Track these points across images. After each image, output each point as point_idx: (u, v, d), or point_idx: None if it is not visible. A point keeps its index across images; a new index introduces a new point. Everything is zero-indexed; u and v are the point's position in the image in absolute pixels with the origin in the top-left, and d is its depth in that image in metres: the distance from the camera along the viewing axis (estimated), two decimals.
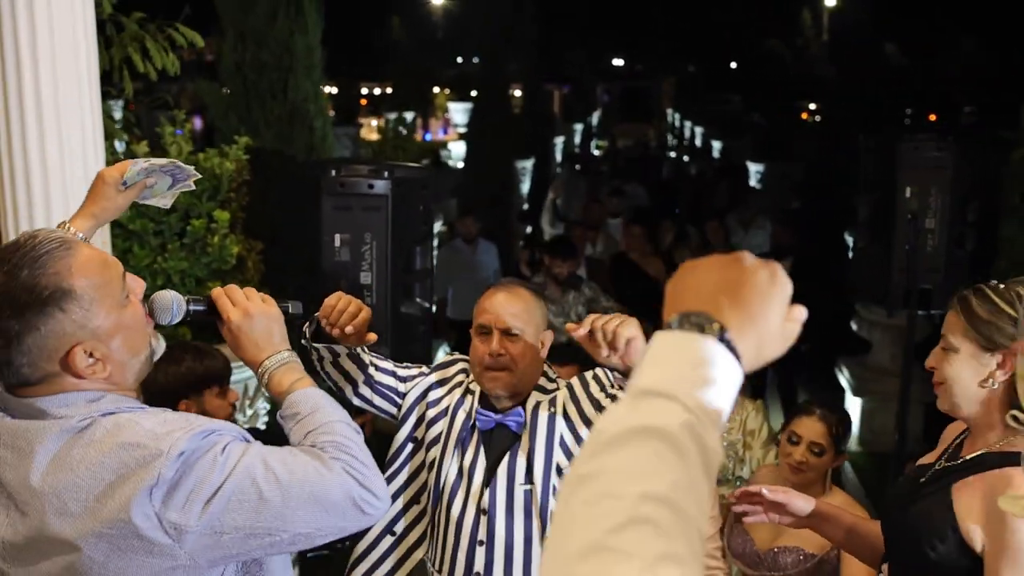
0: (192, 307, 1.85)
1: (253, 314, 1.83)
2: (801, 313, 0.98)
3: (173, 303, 1.81)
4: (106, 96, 4.13)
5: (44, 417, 1.58)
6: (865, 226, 4.58)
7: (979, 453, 1.98)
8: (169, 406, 1.91)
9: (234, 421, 2.31)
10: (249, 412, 4.33)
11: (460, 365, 2.71)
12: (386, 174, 3.54)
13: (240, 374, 4.17)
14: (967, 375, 1.97)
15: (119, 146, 4.35)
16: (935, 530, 1.94)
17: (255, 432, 3.69)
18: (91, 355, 1.59)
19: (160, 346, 1.80)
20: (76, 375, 1.59)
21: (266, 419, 4.61)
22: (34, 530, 1.55)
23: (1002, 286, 1.97)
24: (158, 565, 1.54)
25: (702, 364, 0.87)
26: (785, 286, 0.96)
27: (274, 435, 3.50)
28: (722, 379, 0.88)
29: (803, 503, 2.23)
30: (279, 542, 1.59)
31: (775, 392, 7.48)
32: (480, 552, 2.50)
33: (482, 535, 2.49)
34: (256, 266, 4.41)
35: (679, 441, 0.80)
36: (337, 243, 3.55)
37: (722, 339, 0.90)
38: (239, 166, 4.29)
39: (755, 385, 5.14)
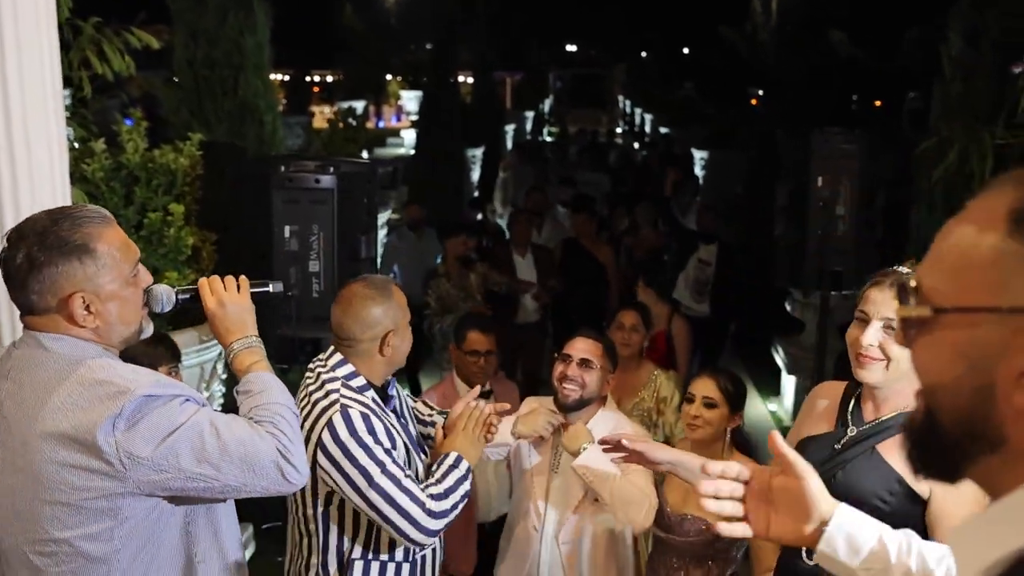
0: (180, 297, 2.22)
1: (226, 303, 2.23)
2: None
3: (163, 295, 2.16)
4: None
5: (40, 348, 1.93)
6: (783, 213, 4.92)
7: (895, 414, 2.26)
8: None
9: None
10: (206, 394, 4.57)
11: None
12: (332, 169, 3.81)
13: (199, 357, 4.42)
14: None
15: (75, 145, 4.54)
16: (880, 486, 2.20)
17: None
18: (87, 307, 1.94)
19: (149, 328, 2.14)
20: (69, 317, 1.93)
21: (222, 401, 4.84)
22: (16, 442, 1.89)
23: None
24: (105, 487, 1.86)
25: None
26: None
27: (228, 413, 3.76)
28: None
29: (661, 452, 2.39)
30: (211, 488, 1.93)
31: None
32: None
33: None
34: (210, 256, 4.62)
35: None
36: (287, 234, 3.81)
37: None
38: (193, 161, 4.50)
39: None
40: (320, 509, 2.68)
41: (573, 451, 3.08)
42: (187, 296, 2.24)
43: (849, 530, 1.52)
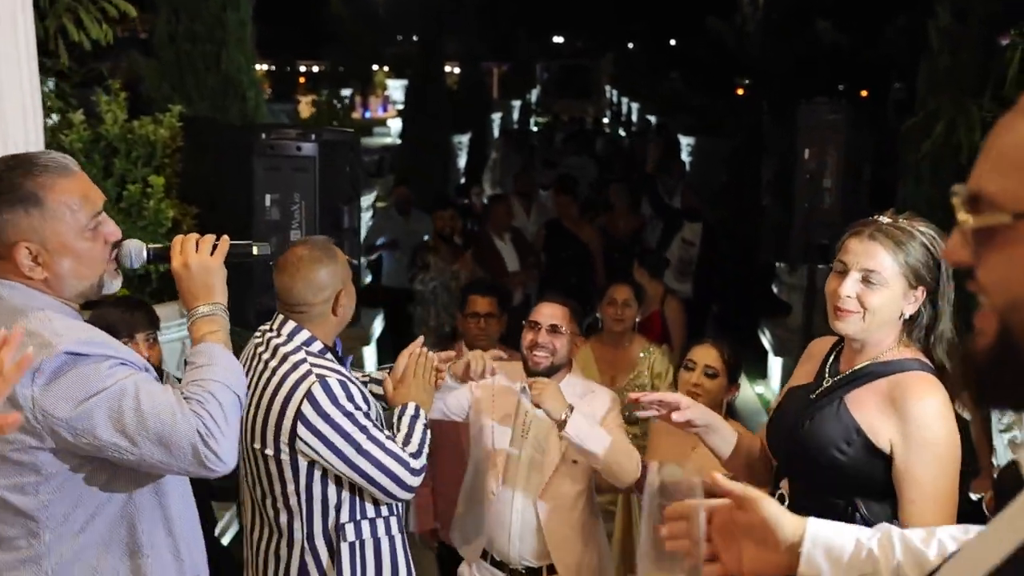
0: (151, 252, 2.09)
1: (191, 265, 2.06)
2: None
3: (133, 250, 2.06)
4: (41, 68, 4.26)
5: None
6: (769, 187, 4.90)
7: (864, 364, 2.22)
8: None
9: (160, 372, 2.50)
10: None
11: None
12: (313, 137, 3.74)
13: (180, 332, 4.36)
14: (891, 307, 2.16)
15: (54, 117, 4.48)
16: (839, 436, 2.17)
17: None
18: (35, 257, 1.88)
19: (114, 284, 2.04)
20: (14, 266, 1.87)
21: None
22: None
23: (921, 228, 2.16)
24: (24, 440, 1.81)
25: None
26: None
27: None
28: None
29: (701, 414, 2.39)
30: (129, 460, 1.85)
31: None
32: None
33: None
34: (191, 230, 4.56)
35: None
36: (268, 203, 3.74)
37: None
38: (173, 133, 4.45)
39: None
40: (302, 484, 2.61)
41: (557, 419, 3.04)
42: (159, 254, 2.11)
43: (826, 542, 1.41)
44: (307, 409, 2.50)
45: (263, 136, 3.75)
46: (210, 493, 3.28)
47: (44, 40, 3.97)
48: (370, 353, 7.52)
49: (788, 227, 4.67)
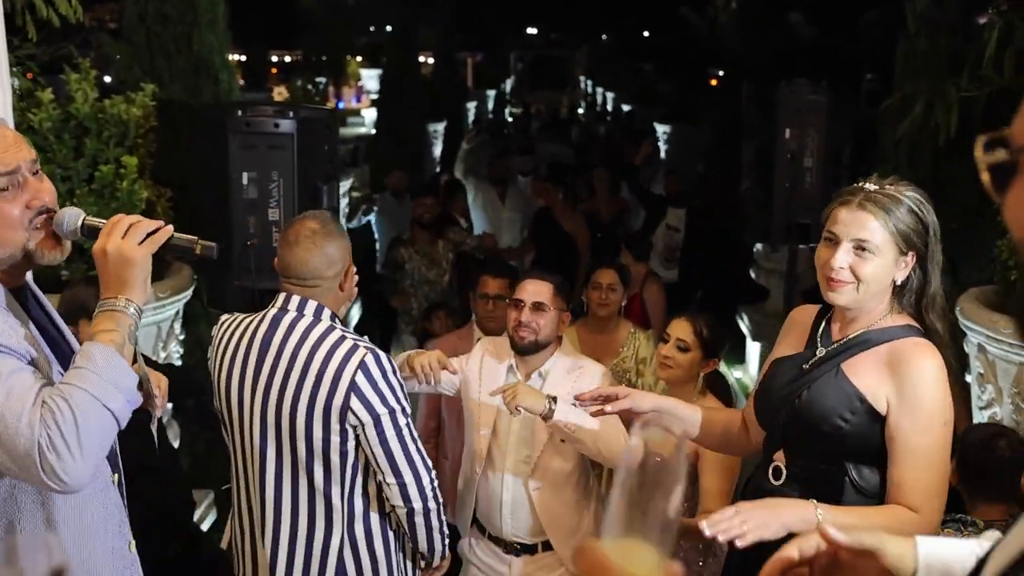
0: (86, 224, 1.88)
1: (109, 251, 1.83)
2: None
3: (67, 218, 1.87)
4: (8, 47, 4.15)
5: None
6: (749, 168, 4.88)
7: (859, 333, 2.23)
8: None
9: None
10: (163, 354, 4.43)
11: None
12: (291, 114, 3.69)
13: (154, 316, 4.28)
14: (884, 274, 2.16)
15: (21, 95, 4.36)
16: (842, 405, 2.17)
17: (169, 367, 3.80)
18: None
19: (52, 257, 1.89)
20: None
21: (179, 363, 4.70)
22: None
23: (908, 193, 2.15)
24: None
25: None
26: None
27: (186, 372, 3.62)
28: None
29: (645, 401, 2.45)
30: None
31: None
32: None
33: None
34: (165, 211, 4.48)
35: None
36: (245, 181, 3.69)
37: None
38: (146, 112, 4.35)
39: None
40: (348, 475, 2.58)
41: (541, 413, 3.00)
42: (92, 228, 1.88)
43: (941, 565, 1.42)
44: (361, 380, 2.48)
45: (239, 113, 3.69)
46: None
47: (11, 15, 3.87)
48: None
49: (769, 208, 4.65)
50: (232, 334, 2.66)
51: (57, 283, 3.83)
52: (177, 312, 4.46)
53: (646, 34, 30.07)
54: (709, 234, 7.57)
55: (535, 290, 3.24)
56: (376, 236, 8.23)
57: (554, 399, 2.98)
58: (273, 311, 2.61)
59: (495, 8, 29.82)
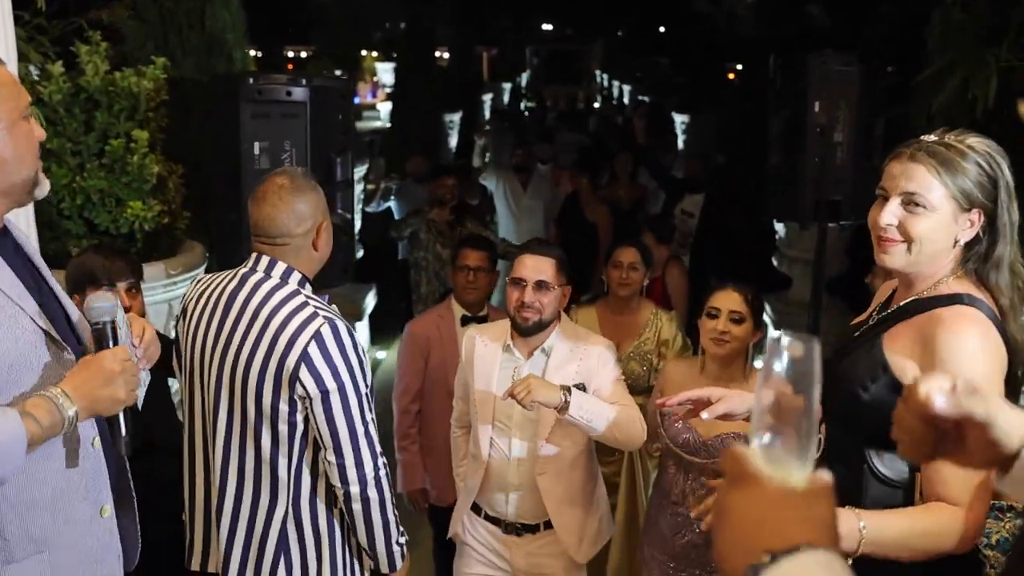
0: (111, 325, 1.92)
1: (107, 365, 1.86)
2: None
3: (102, 304, 1.92)
4: (18, 21, 4.05)
5: None
6: (777, 142, 4.71)
7: (909, 300, 2.03)
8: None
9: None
10: (174, 333, 4.31)
11: None
12: (304, 82, 3.57)
13: (166, 294, 4.17)
14: (941, 235, 1.96)
15: (33, 69, 4.27)
16: (866, 373, 1.98)
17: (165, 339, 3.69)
18: None
19: (44, 187, 1.93)
20: None
21: None
22: None
23: (972, 143, 1.94)
24: None
25: None
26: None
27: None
28: None
29: (743, 403, 2.27)
30: None
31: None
32: None
33: None
34: (177, 187, 4.37)
35: None
36: (256, 151, 3.56)
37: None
38: (157, 85, 4.24)
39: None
40: (296, 447, 2.44)
41: (556, 406, 2.86)
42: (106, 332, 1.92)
43: None
44: (313, 350, 2.33)
45: (251, 81, 3.57)
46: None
47: None
48: (363, 328, 7.35)
49: (797, 185, 4.48)
50: (203, 292, 2.55)
51: (68, 259, 3.74)
52: None
53: (661, 29, 29.92)
54: (726, 221, 7.43)
55: (536, 267, 3.08)
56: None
57: (568, 390, 2.85)
58: (243, 270, 2.50)
59: (510, 3, 29.70)
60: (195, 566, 2.60)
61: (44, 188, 1.92)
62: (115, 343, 1.92)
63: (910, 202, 1.96)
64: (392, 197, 8.28)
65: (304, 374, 2.33)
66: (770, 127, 4.75)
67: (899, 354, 1.96)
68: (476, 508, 3.23)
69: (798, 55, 4.54)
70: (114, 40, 5.07)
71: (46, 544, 1.87)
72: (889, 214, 1.98)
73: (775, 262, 8.16)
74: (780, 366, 0.92)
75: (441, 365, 4.00)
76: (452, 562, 3.45)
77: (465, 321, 4.10)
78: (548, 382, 2.89)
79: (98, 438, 1.99)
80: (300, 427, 2.41)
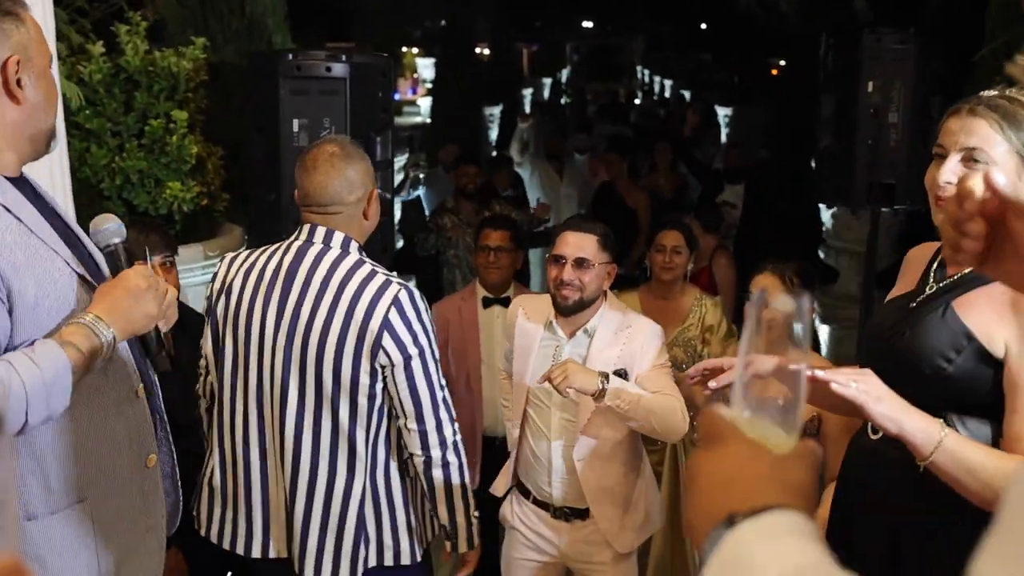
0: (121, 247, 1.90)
1: (133, 284, 1.82)
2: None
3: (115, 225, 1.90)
4: (59, 2, 4.04)
5: None
6: (827, 125, 4.57)
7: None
8: None
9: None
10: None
11: None
12: (344, 58, 3.50)
13: (204, 275, 4.14)
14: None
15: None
16: (947, 344, 1.87)
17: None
18: (19, 80, 1.73)
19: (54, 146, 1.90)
20: (5, 84, 1.72)
21: None
22: None
23: None
24: None
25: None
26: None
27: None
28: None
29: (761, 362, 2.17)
30: None
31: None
32: None
33: None
34: (216, 169, 4.34)
35: None
36: (295, 128, 3.51)
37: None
38: (196, 65, 4.21)
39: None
40: (374, 419, 2.41)
41: (593, 393, 2.75)
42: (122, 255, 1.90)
43: None
44: (394, 317, 2.31)
45: (289, 57, 3.51)
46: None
47: None
48: None
49: (848, 168, 4.34)
50: (249, 269, 2.48)
51: None
52: None
53: (703, 26, 29.68)
54: (769, 211, 7.29)
55: (577, 243, 2.96)
56: (425, 210, 8.07)
57: (606, 376, 2.74)
58: (297, 243, 2.43)
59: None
60: (256, 553, 2.54)
61: (58, 141, 1.93)
62: (129, 264, 1.88)
63: (970, 158, 1.84)
64: (421, 185, 8.22)
65: (387, 341, 2.31)
66: (821, 109, 4.61)
67: (981, 321, 1.85)
68: (525, 492, 3.14)
69: (851, 34, 4.41)
70: (154, 27, 5.07)
71: (89, 493, 1.84)
72: (948, 171, 1.86)
73: (821, 254, 8.00)
74: (767, 325, 0.86)
75: (460, 347, 3.94)
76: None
77: (487, 303, 4.03)
78: (586, 368, 2.79)
79: (143, 387, 1.96)
80: (379, 399, 2.39)
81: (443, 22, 17.95)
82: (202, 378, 2.62)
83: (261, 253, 2.51)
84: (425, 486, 2.47)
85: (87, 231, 1.95)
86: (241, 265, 2.51)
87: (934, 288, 1.99)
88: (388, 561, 2.48)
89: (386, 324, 2.30)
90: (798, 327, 0.85)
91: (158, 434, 2.01)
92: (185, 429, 2.70)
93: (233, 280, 2.50)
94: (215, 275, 2.57)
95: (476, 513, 2.55)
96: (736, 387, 0.87)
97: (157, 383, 1.92)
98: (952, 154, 1.86)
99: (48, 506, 1.78)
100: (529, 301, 3.20)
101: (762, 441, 0.84)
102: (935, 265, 2.04)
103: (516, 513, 3.17)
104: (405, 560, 2.50)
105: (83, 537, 1.82)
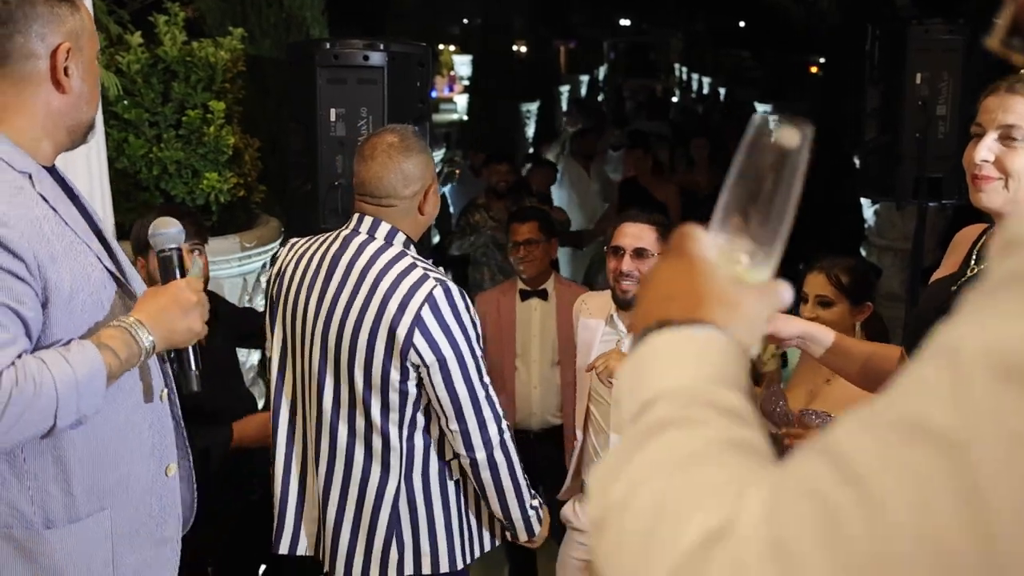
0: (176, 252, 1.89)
1: (180, 293, 1.80)
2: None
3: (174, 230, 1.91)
4: None
5: None
6: (873, 117, 4.46)
7: None
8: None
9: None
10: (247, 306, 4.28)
11: None
12: (382, 46, 3.47)
13: (240, 268, 4.13)
14: None
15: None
16: None
17: (248, 310, 3.63)
18: (67, 69, 1.71)
19: (91, 136, 1.87)
20: (53, 71, 1.69)
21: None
22: None
23: None
24: None
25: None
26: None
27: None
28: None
29: (790, 327, 2.09)
30: None
31: None
32: None
33: None
34: (253, 161, 4.32)
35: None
36: (332, 117, 3.48)
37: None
38: (234, 56, 4.20)
39: None
40: (408, 414, 2.33)
41: None
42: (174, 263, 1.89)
43: None
44: (427, 315, 2.22)
45: (327, 46, 3.48)
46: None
47: None
48: None
49: (895, 161, 4.23)
50: (302, 255, 2.45)
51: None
52: (264, 264, 4.30)
53: (741, 24, 29.42)
54: (810, 207, 7.18)
55: (636, 234, 2.93)
56: (451, 208, 8.01)
57: None
58: (345, 231, 2.39)
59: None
60: (283, 549, 2.50)
61: (96, 132, 1.96)
62: (182, 274, 1.84)
63: (1008, 136, 1.82)
64: (451, 182, 8.18)
65: (419, 340, 2.22)
66: (866, 102, 4.50)
67: None
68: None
69: (897, 25, 4.30)
70: (192, 21, 5.08)
71: (110, 502, 1.79)
72: (985, 149, 1.84)
73: (863, 252, 7.85)
74: (763, 150, 0.81)
75: (496, 340, 3.90)
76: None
77: (525, 296, 3.99)
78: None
79: (167, 391, 1.92)
80: (412, 394, 2.30)
81: (480, 19, 17.93)
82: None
83: (316, 240, 2.48)
84: (476, 486, 2.41)
85: (121, 221, 1.93)
86: (297, 251, 2.49)
87: (975, 271, 1.95)
88: (426, 569, 2.40)
89: (418, 321, 2.22)
90: (796, 160, 0.81)
91: (178, 441, 1.97)
92: (212, 416, 2.69)
93: (287, 266, 2.48)
94: (274, 257, 2.56)
95: (535, 503, 2.48)
96: (718, 211, 0.83)
97: (192, 361, 1.87)
98: (990, 132, 1.85)
99: (69, 514, 1.72)
100: (592, 298, 3.18)
101: (732, 270, 0.82)
102: (979, 247, 1.99)
103: (578, 513, 3.11)
104: (444, 567, 2.42)
105: (100, 547, 1.77)
